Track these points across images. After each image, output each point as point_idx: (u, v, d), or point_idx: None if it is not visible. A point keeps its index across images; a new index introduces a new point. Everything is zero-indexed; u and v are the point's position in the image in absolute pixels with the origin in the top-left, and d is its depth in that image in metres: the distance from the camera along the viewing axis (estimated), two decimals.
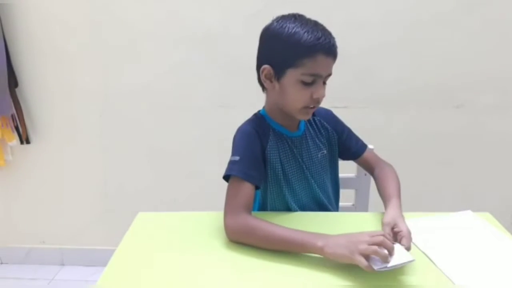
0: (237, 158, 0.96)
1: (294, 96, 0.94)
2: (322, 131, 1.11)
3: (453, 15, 1.59)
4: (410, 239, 0.82)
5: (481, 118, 1.72)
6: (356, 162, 1.19)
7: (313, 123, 1.11)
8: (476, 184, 1.81)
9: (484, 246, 0.89)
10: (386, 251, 0.74)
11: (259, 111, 1.07)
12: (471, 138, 1.75)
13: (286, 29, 0.90)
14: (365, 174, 1.22)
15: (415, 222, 0.98)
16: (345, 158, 1.16)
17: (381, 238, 0.75)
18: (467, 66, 1.65)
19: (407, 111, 1.72)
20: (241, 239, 0.90)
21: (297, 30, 0.89)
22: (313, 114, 1.10)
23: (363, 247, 0.75)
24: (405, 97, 1.71)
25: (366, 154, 1.16)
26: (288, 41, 0.89)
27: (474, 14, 1.58)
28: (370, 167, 1.16)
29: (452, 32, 1.61)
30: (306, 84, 0.91)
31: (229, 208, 0.92)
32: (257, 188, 0.97)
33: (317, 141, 1.09)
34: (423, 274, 0.79)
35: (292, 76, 0.92)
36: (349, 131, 1.16)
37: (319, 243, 0.80)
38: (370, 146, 1.24)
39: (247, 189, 0.94)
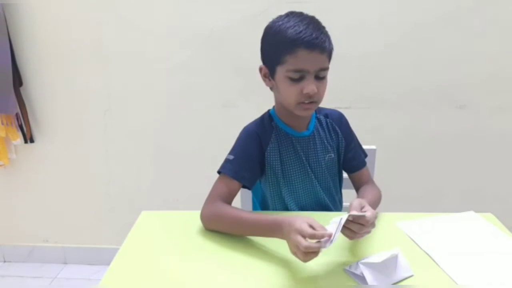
0: (231, 157, 0.99)
1: (285, 93, 0.94)
2: (333, 134, 1.09)
3: (456, 15, 1.59)
4: (372, 222, 0.80)
5: (483, 118, 1.71)
6: (350, 175, 1.15)
7: (324, 125, 1.08)
8: (479, 185, 1.81)
9: (487, 247, 0.89)
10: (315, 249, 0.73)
11: (268, 110, 1.08)
12: (474, 138, 1.74)
13: (274, 28, 0.91)
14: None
15: (418, 223, 0.98)
16: (343, 168, 1.14)
17: (314, 247, 0.73)
18: (470, 67, 1.65)
19: (409, 112, 1.72)
20: (213, 225, 0.94)
21: (281, 27, 0.89)
22: (326, 116, 1.09)
23: (293, 244, 0.75)
24: (407, 98, 1.70)
25: (363, 171, 1.13)
26: (273, 39, 0.91)
27: (477, 15, 1.58)
28: (360, 184, 1.13)
29: (454, 33, 1.61)
30: (294, 80, 0.90)
31: (208, 199, 0.97)
32: (247, 188, 1.01)
33: (326, 143, 1.07)
34: (426, 274, 0.80)
35: (280, 73, 0.92)
36: (356, 142, 1.14)
37: (279, 231, 0.81)
38: (372, 147, 1.24)
39: (233, 185, 0.98)
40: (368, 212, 0.79)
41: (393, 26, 1.61)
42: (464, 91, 1.68)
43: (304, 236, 0.74)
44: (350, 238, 0.81)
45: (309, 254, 0.73)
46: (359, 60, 1.65)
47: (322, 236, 0.73)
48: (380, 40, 1.63)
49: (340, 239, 0.81)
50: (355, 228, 0.79)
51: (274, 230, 0.84)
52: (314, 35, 0.87)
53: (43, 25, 1.70)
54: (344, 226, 0.78)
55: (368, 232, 0.81)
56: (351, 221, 0.79)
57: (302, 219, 0.77)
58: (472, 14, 1.58)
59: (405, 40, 1.62)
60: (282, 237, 0.82)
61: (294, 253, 0.76)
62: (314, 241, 0.74)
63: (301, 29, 0.87)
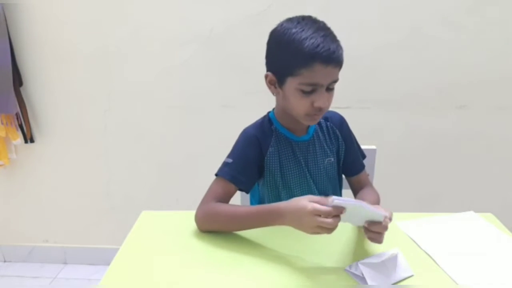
0: (230, 160, 0.99)
1: (295, 104, 0.92)
2: (333, 138, 1.08)
3: (456, 15, 1.58)
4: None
5: (483, 118, 1.71)
6: (348, 178, 1.14)
7: (324, 128, 1.07)
8: (479, 185, 1.81)
9: (487, 247, 0.89)
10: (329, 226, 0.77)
11: (268, 112, 1.07)
12: (474, 138, 1.74)
13: (287, 35, 0.87)
14: (368, 175, 1.21)
15: (418, 223, 0.99)
16: (342, 171, 1.13)
17: (329, 221, 0.76)
18: (469, 67, 1.65)
19: (409, 112, 1.72)
20: (208, 225, 0.95)
21: (296, 37, 0.85)
22: (326, 119, 1.08)
23: (312, 226, 0.77)
24: (407, 98, 1.70)
25: (362, 174, 1.12)
26: (287, 50, 0.87)
27: (477, 15, 1.58)
28: (359, 187, 1.12)
29: (454, 33, 1.60)
30: (305, 92, 0.88)
31: (202, 200, 0.97)
32: (244, 192, 1.02)
33: (326, 147, 1.06)
34: (426, 274, 0.80)
35: (291, 84, 0.90)
36: (356, 145, 1.13)
37: (280, 216, 0.84)
38: (372, 147, 1.24)
39: (229, 188, 0.98)
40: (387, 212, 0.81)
41: (393, 26, 1.61)
42: (464, 91, 1.68)
43: (319, 215, 0.76)
44: (377, 241, 0.81)
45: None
46: (359, 60, 1.65)
47: (337, 212, 0.75)
48: (380, 40, 1.63)
49: (340, 242, 0.83)
50: (377, 228, 0.79)
51: (274, 217, 0.85)
52: (331, 50, 0.84)
53: (43, 25, 1.70)
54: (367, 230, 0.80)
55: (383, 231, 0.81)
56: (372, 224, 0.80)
57: (304, 201, 0.79)
58: (472, 14, 1.58)
59: (405, 40, 1.62)
60: (283, 223, 0.83)
61: (316, 233, 0.78)
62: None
63: (318, 42, 0.83)
